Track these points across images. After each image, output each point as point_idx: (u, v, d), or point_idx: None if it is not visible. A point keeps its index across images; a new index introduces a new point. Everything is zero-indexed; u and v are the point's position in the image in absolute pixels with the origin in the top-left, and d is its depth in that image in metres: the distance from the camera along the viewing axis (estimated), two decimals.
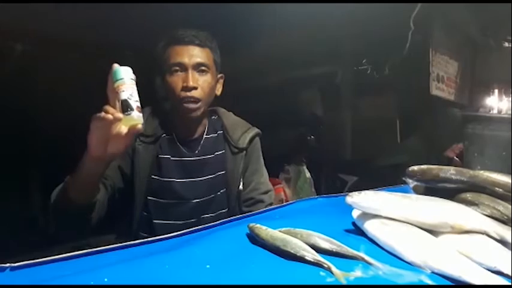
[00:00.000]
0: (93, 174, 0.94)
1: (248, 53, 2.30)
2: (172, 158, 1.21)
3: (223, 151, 1.28)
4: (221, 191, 1.27)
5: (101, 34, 2.44)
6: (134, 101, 0.84)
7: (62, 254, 0.64)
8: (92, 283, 0.55)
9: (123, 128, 0.85)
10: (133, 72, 0.86)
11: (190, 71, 1.14)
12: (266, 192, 1.35)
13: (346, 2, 2.08)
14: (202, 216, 1.23)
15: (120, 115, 0.82)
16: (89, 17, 2.16)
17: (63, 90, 2.70)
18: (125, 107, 0.83)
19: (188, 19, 1.86)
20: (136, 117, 0.84)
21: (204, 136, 1.26)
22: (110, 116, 0.82)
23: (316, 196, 1.21)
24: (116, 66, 0.85)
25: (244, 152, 1.29)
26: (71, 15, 2.08)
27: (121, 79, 0.84)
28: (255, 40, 2.58)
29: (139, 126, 0.86)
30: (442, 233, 0.72)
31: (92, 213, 1.00)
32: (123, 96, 0.83)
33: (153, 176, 1.19)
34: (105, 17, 2.15)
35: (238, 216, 0.97)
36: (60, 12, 2.02)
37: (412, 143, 2.45)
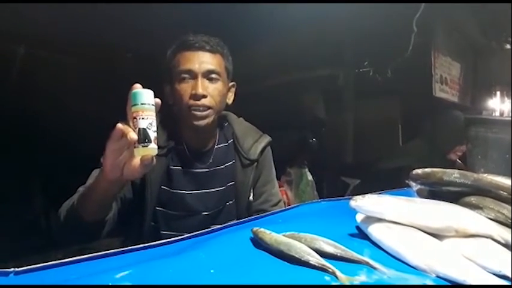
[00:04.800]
0: (109, 195, 0.91)
1: (249, 55, 2.31)
2: (182, 170, 1.19)
3: (234, 161, 1.25)
4: (230, 202, 1.25)
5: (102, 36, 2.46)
6: (153, 131, 0.77)
7: (65, 258, 0.64)
8: None
9: (138, 159, 0.80)
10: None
11: (199, 79, 1.11)
12: (277, 203, 1.34)
13: (348, 2, 2.09)
14: (211, 227, 1.21)
15: (135, 136, 0.75)
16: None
17: (66, 92, 2.71)
18: (143, 138, 0.76)
19: (188, 19, 1.88)
20: (153, 150, 0.78)
21: (215, 147, 1.23)
22: (121, 127, 0.76)
23: (319, 200, 1.21)
24: (138, 87, 0.78)
25: (256, 163, 1.26)
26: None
27: (142, 104, 0.76)
28: (256, 42, 2.59)
29: (154, 158, 0.81)
30: (447, 236, 0.71)
31: (104, 229, 0.98)
32: (142, 124, 0.76)
33: (163, 187, 1.16)
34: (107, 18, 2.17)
35: (241, 220, 0.96)
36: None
37: (414, 146, 2.44)
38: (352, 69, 3.26)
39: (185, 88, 1.11)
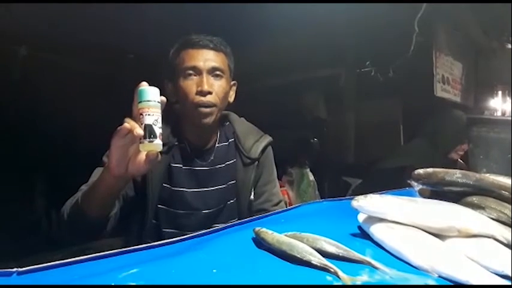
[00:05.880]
0: (113, 191, 0.92)
1: (250, 55, 2.31)
2: (183, 167, 1.19)
3: (234, 160, 1.26)
4: (231, 200, 1.26)
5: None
6: (158, 128, 0.79)
7: (66, 258, 0.64)
8: None
9: (143, 155, 0.82)
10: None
11: (205, 75, 1.12)
12: (278, 203, 1.34)
13: (350, 2, 2.08)
14: (212, 226, 1.21)
15: (141, 131, 0.78)
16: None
17: (67, 93, 2.72)
18: (148, 133, 0.78)
19: (189, 20, 1.88)
20: (158, 145, 0.80)
21: (216, 145, 1.23)
22: (127, 126, 0.77)
23: (321, 200, 1.21)
24: (144, 85, 0.80)
25: (256, 162, 1.26)
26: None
27: (147, 101, 0.78)
28: (258, 42, 2.59)
29: (159, 154, 0.82)
30: (449, 237, 0.71)
31: (107, 226, 0.99)
32: (148, 120, 0.78)
33: (164, 184, 1.17)
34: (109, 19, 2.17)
35: (243, 220, 0.97)
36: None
37: (416, 146, 2.44)
38: (354, 70, 3.26)
39: (190, 85, 1.12)
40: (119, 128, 0.79)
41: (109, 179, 0.87)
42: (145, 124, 0.78)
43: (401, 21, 2.26)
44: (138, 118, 0.79)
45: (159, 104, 0.80)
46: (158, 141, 0.80)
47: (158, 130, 0.79)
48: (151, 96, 0.79)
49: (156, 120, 0.79)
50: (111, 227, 1.01)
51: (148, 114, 0.78)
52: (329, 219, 0.97)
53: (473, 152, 1.15)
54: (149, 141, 0.78)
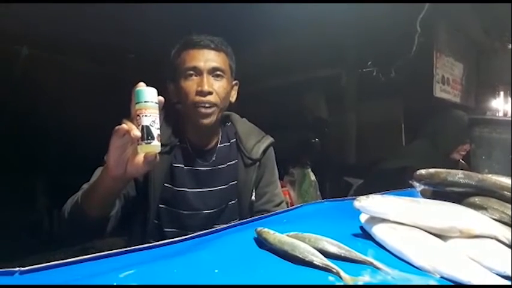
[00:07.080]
0: (112, 191, 0.92)
1: (252, 55, 2.31)
2: (185, 167, 1.19)
3: (236, 161, 1.26)
4: (232, 201, 1.26)
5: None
6: (156, 129, 0.78)
7: (67, 257, 0.64)
8: None
9: (141, 156, 0.82)
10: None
11: (205, 75, 1.12)
12: (280, 204, 1.34)
13: (352, 2, 2.08)
14: (213, 226, 1.21)
15: (138, 133, 0.77)
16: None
17: (68, 93, 2.72)
18: (146, 135, 0.77)
19: (190, 19, 1.89)
20: (156, 147, 0.79)
21: (218, 146, 1.24)
22: (125, 127, 0.77)
23: (323, 200, 1.21)
24: (142, 85, 0.79)
25: (258, 163, 1.27)
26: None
27: (144, 102, 0.77)
28: (260, 42, 2.59)
29: (157, 155, 0.82)
30: (451, 237, 0.71)
31: (108, 226, 0.99)
32: (145, 122, 0.77)
33: (166, 184, 1.17)
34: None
35: (245, 220, 0.97)
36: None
37: (418, 146, 2.43)
38: (355, 70, 3.26)
39: (191, 85, 1.12)
40: (116, 128, 0.79)
41: (108, 179, 0.87)
42: (142, 125, 0.77)
43: (403, 22, 2.26)
44: (135, 119, 0.78)
45: (157, 105, 0.79)
46: (156, 143, 0.78)
47: (156, 131, 0.78)
48: (148, 97, 0.78)
49: (154, 121, 0.78)
50: (112, 227, 1.01)
51: (146, 116, 0.77)
52: (331, 220, 0.97)
53: (476, 153, 1.15)
54: (147, 143, 0.78)
